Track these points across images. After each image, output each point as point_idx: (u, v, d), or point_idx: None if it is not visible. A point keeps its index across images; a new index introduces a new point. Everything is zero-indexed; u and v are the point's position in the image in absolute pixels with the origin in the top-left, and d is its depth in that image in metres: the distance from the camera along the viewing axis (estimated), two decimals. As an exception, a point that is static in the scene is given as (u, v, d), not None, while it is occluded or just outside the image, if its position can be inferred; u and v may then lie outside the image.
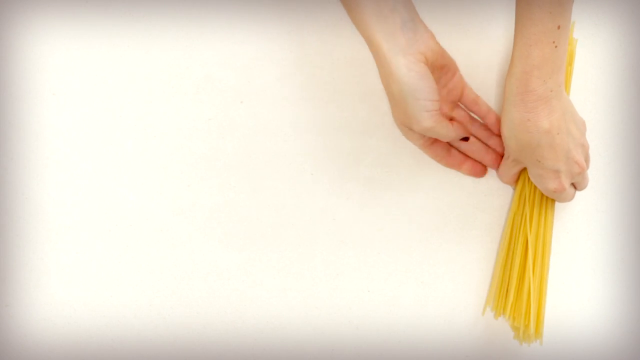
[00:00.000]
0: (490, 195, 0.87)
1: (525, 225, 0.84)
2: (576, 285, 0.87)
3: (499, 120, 0.84)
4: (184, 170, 0.87)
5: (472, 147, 0.85)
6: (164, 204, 0.86)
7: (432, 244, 0.87)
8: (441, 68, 0.80)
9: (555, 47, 0.73)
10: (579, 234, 0.88)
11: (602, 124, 0.88)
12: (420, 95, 0.76)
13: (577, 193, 0.86)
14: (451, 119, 0.84)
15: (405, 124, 0.80)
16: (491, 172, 0.87)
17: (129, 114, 0.87)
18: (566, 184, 0.81)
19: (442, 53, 0.79)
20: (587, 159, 0.84)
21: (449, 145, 0.85)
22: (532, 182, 0.84)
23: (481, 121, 0.86)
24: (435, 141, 0.84)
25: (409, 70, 0.76)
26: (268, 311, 0.86)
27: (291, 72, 0.87)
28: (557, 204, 0.86)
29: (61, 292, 0.86)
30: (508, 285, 0.84)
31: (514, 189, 0.87)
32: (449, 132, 0.80)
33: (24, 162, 0.86)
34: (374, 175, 0.87)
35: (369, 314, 0.86)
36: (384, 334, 0.86)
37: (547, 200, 0.85)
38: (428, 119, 0.77)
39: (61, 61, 0.86)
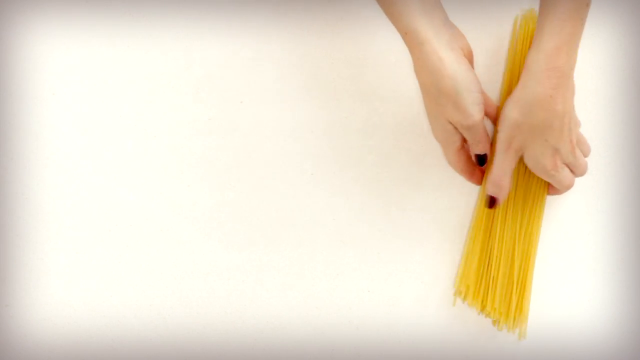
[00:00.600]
0: (490, 195, 0.87)
1: (482, 216, 0.85)
2: (576, 285, 0.87)
3: None
4: (184, 170, 0.87)
5: None
6: (164, 204, 0.86)
7: (432, 244, 0.87)
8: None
9: (582, 24, 0.75)
10: (579, 234, 0.88)
11: (602, 124, 0.88)
12: (473, 87, 0.76)
13: (577, 193, 0.86)
14: None
15: (453, 121, 0.78)
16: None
17: (129, 114, 0.87)
18: (559, 162, 0.80)
19: (472, 52, 0.80)
20: (581, 142, 0.84)
21: (468, 153, 0.83)
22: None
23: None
24: (462, 146, 0.82)
25: (460, 64, 0.76)
26: (268, 311, 0.86)
27: (291, 72, 0.87)
28: (554, 203, 0.86)
29: (61, 292, 0.86)
30: (469, 269, 0.85)
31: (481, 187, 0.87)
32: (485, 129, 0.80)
33: (24, 162, 0.86)
34: (374, 175, 0.87)
35: (369, 314, 0.86)
36: (384, 334, 0.86)
37: (528, 196, 0.85)
38: (479, 112, 0.77)
39: (61, 61, 0.86)
